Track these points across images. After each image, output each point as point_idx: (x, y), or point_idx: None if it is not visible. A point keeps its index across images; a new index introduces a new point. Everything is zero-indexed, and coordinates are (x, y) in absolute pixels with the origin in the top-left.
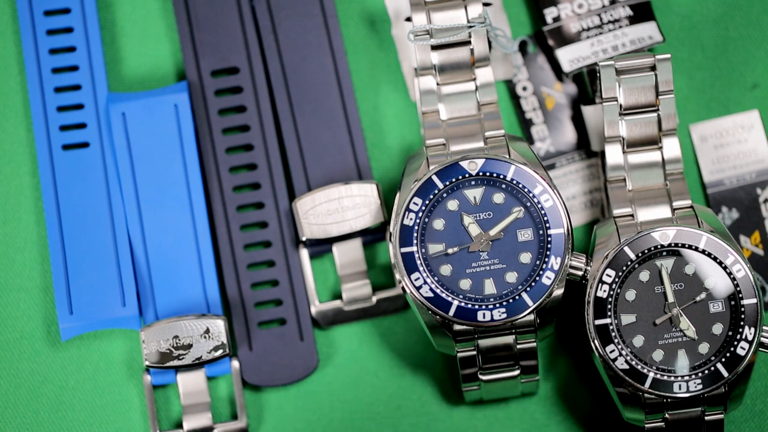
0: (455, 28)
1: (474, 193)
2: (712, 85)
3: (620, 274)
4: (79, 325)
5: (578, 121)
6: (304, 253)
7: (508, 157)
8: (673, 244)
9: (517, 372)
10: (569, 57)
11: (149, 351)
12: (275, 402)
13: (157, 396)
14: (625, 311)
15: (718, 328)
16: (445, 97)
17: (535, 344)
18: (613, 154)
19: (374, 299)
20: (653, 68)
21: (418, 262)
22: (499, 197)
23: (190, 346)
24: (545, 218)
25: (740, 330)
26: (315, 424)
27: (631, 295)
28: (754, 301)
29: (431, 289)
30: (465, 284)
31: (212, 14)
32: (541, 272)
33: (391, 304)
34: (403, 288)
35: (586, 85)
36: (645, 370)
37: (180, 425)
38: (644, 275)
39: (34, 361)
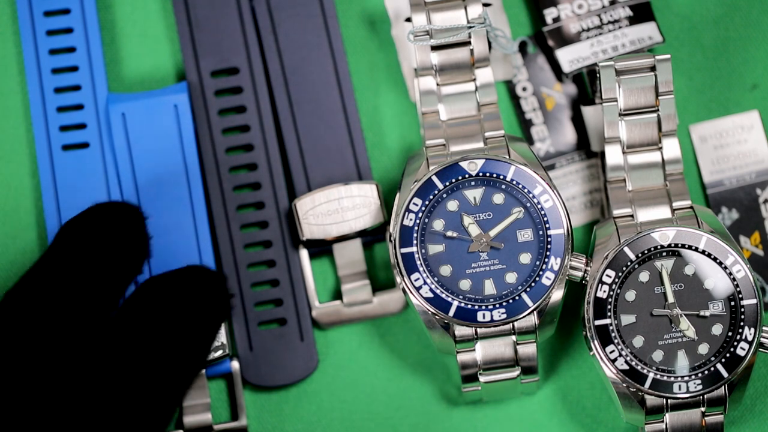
0: (455, 29)
1: (474, 194)
2: (712, 85)
3: (620, 274)
4: None
5: (578, 121)
6: (304, 253)
7: (507, 157)
8: (672, 245)
9: (516, 373)
10: (569, 57)
11: None
12: (275, 402)
13: None
14: (625, 312)
15: (717, 329)
16: (445, 98)
17: (534, 345)
18: (613, 155)
19: (374, 300)
20: (653, 69)
21: (418, 262)
22: (498, 198)
23: None
24: (545, 219)
25: (740, 330)
26: (315, 424)
27: (630, 295)
28: (754, 301)
29: (431, 290)
30: (465, 285)
31: (212, 14)
32: (541, 273)
33: (391, 304)
34: (403, 288)
35: (586, 86)
36: (645, 371)
37: (180, 425)
38: (644, 276)
39: None
